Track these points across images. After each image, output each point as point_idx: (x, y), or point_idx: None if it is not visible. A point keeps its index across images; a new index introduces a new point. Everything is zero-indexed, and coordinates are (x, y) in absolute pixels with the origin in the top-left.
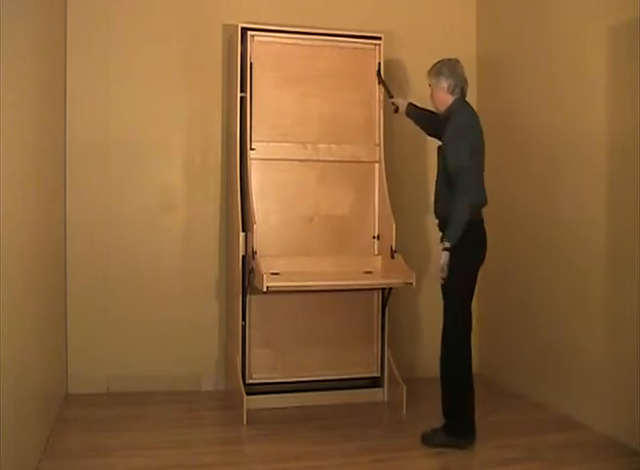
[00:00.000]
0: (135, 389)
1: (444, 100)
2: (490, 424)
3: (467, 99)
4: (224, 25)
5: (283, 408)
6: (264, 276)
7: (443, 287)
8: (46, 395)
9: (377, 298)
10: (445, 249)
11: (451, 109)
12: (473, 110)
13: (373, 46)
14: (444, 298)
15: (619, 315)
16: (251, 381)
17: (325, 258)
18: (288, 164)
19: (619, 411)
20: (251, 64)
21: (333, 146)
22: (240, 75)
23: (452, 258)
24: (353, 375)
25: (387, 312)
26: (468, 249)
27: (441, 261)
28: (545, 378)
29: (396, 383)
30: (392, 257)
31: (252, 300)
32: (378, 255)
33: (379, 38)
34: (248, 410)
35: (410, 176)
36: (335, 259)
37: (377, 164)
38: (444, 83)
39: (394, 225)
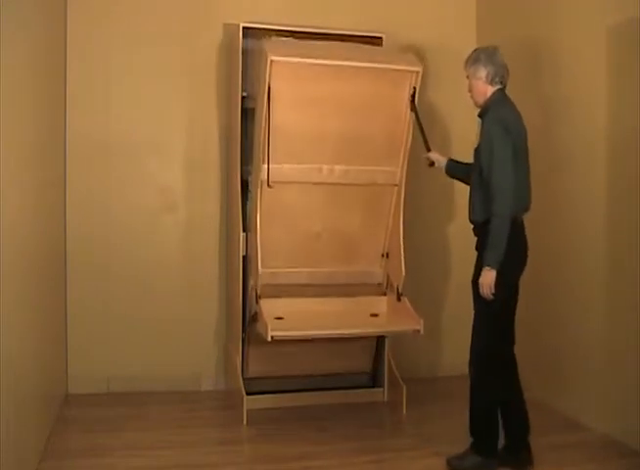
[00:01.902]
0: (135, 389)
1: (483, 91)
2: None
3: (467, 100)
4: (225, 25)
5: (283, 408)
6: (269, 326)
7: (476, 295)
8: (46, 395)
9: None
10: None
11: (489, 102)
12: (513, 104)
13: (409, 73)
14: (475, 308)
15: (619, 315)
16: (249, 375)
17: (330, 298)
18: (301, 186)
19: (619, 411)
20: (269, 88)
21: (350, 168)
22: (241, 75)
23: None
24: (353, 375)
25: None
26: (506, 258)
27: (482, 280)
28: (545, 378)
29: (396, 383)
30: (399, 299)
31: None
32: (384, 295)
33: (380, 38)
34: (248, 410)
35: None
36: (340, 300)
37: (395, 188)
38: (482, 72)
39: (404, 269)
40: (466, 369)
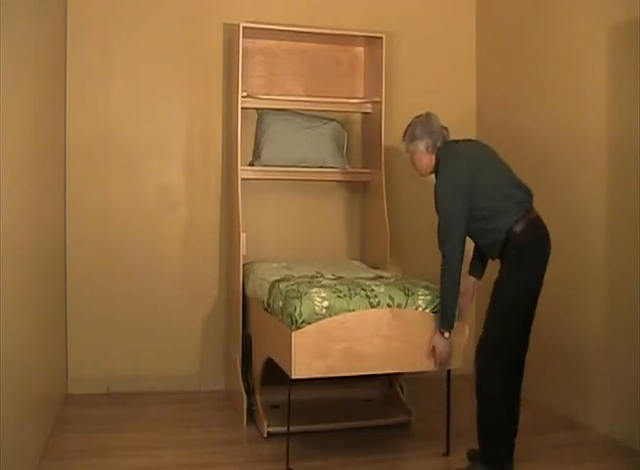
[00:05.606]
0: (135, 389)
1: (427, 162)
2: None
3: (467, 101)
4: (225, 25)
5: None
6: (265, 423)
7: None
8: (46, 395)
9: None
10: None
11: (436, 164)
12: (461, 142)
13: None
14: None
15: (619, 315)
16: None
17: (325, 387)
18: None
19: (620, 411)
20: None
21: None
22: (241, 74)
23: (511, 271)
24: None
25: None
26: (522, 258)
27: (436, 344)
28: (545, 378)
29: (395, 382)
30: (392, 387)
31: (252, 304)
32: (377, 382)
33: (380, 38)
34: (248, 410)
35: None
36: (334, 387)
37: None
38: (422, 146)
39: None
40: (465, 370)
